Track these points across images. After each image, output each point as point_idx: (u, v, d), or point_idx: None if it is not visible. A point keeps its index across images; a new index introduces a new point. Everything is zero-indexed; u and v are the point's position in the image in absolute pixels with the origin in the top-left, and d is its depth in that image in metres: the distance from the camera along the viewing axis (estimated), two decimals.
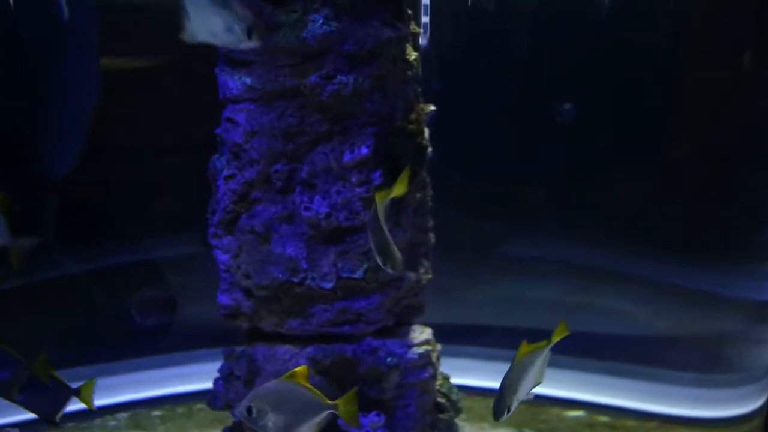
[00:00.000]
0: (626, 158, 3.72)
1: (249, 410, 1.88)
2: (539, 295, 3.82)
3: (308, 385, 1.91)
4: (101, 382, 3.70)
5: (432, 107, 2.62)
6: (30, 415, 3.31)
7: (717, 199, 3.60)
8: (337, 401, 1.92)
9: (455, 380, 2.80)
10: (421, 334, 2.62)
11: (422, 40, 2.71)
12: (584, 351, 3.68)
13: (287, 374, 1.92)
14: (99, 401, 3.53)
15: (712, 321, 3.65)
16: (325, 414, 1.91)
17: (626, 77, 3.69)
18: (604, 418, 3.39)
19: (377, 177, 2.44)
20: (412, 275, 2.59)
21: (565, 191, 3.80)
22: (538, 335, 3.78)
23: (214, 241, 2.59)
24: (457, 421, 2.76)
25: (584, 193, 3.76)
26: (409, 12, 2.56)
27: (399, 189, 2.04)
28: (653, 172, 3.71)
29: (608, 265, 3.76)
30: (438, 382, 2.68)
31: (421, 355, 2.55)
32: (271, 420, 1.87)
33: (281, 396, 1.89)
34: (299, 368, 1.92)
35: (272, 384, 1.93)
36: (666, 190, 3.68)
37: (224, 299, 2.60)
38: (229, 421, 2.72)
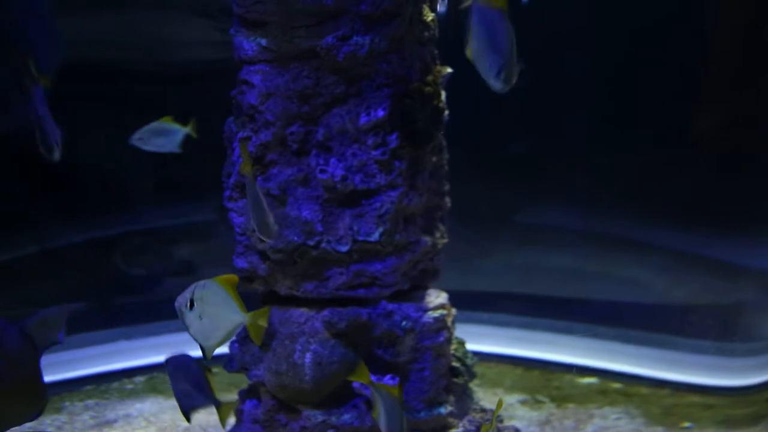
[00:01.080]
0: (647, 128, 3.68)
1: (191, 303, 1.92)
2: (557, 263, 3.81)
3: (235, 294, 1.96)
4: (119, 346, 3.77)
5: (449, 69, 2.59)
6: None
7: (736, 170, 3.56)
8: (249, 314, 1.98)
9: (472, 346, 2.80)
10: (437, 298, 2.62)
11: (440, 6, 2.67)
12: (600, 318, 3.67)
13: (221, 278, 1.95)
14: (117, 365, 3.61)
15: (730, 290, 3.62)
16: (239, 322, 1.96)
17: (648, 49, 3.63)
18: (617, 385, 3.39)
19: (393, 139, 2.42)
20: (428, 239, 2.58)
21: (585, 160, 3.76)
22: (556, 303, 3.80)
23: (229, 204, 2.58)
24: (471, 386, 2.77)
25: (604, 163, 3.73)
26: None
27: None
28: (674, 142, 3.67)
29: (627, 234, 3.73)
30: (453, 347, 2.68)
31: (436, 319, 2.55)
32: (202, 315, 1.92)
33: (214, 297, 1.94)
34: (232, 276, 1.96)
35: (209, 283, 1.97)
36: (686, 160, 3.64)
37: (240, 262, 2.60)
38: (245, 384, 2.74)
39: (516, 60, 1.68)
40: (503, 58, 1.69)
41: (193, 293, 1.93)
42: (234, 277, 1.96)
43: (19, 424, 2.09)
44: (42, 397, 2.12)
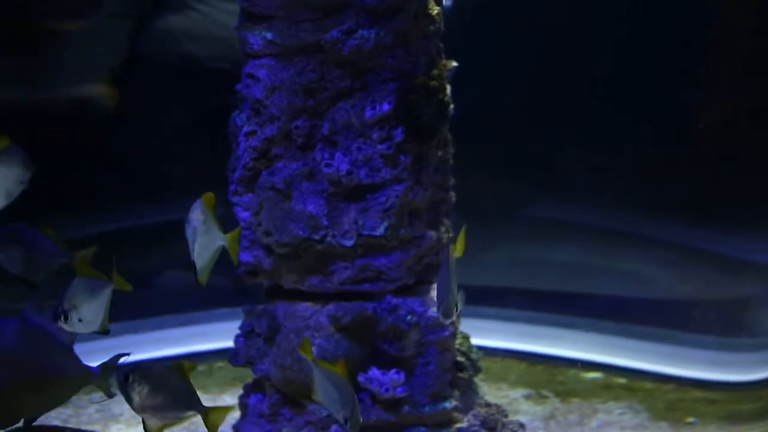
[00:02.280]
0: (652, 122, 3.67)
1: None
2: (562, 257, 3.80)
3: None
4: (124, 340, 3.76)
5: (454, 63, 2.59)
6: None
7: (742, 164, 3.55)
8: (228, 236, 2.01)
9: (476, 341, 2.80)
10: None
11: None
12: (604, 313, 3.67)
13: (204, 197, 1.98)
14: (122, 359, 3.61)
15: (736, 285, 3.62)
16: (222, 244, 1.99)
17: (652, 41, 3.62)
18: (621, 380, 3.39)
19: (399, 134, 2.42)
20: (433, 234, 2.58)
21: (589, 154, 3.76)
22: (561, 298, 3.80)
23: (234, 199, 2.59)
24: (476, 380, 2.77)
25: (609, 156, 3.72)
26: None
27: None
28: (679, 135, 3.66)
29: (632, 228, 3.73)
30: (458, 341, 2.68)
31: None
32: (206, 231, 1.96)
33: (209, 216, 1.95)
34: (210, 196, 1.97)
35: (202, 204, 1.98)
36: (691, 154, 3.63)
37: (245, 256, 2.60)
38: (250, 378, 2.74)
39: (456, 295, 1.97)
40: (441, 297, 1.98)
41: (201, 208, 1.93)
42: (212, 195, 1.97)
43: (47, 411, 2.09)
44: (78, 379, 2.11)
